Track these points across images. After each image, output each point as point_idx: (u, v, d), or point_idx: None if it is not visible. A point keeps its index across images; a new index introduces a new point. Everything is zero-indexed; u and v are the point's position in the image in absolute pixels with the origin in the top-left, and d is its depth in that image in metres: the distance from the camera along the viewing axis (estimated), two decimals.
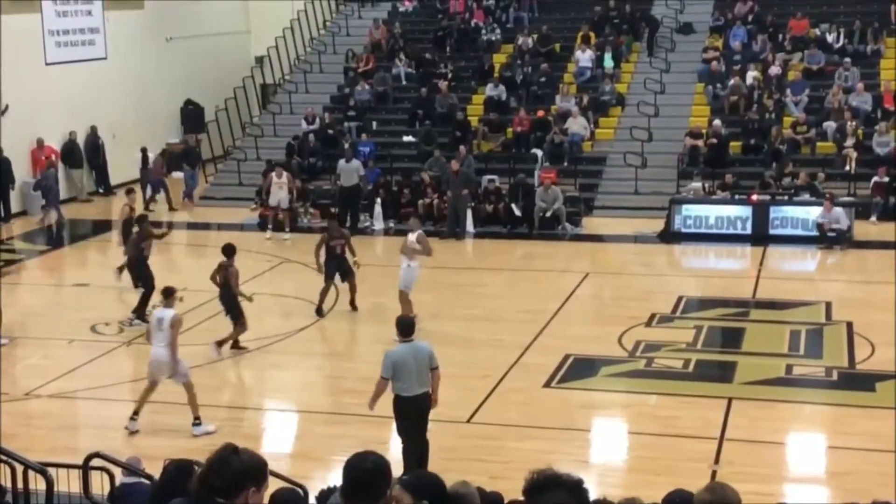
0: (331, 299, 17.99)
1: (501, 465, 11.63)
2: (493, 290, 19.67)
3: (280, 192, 23.66)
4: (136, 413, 13.10)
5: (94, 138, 28.29)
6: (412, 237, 17.12)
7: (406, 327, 11.46)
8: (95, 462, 9.64)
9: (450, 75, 28.65)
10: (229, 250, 16.13)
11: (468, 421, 13.27)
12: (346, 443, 12.79)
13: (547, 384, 14.45)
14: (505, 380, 14.65)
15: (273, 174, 23.91)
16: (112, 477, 9.71)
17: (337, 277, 17.68)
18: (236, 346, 16.05)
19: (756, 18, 29.55)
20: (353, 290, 17.74)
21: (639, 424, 13.28)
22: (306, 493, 8.63)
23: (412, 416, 11.22)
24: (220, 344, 15.68)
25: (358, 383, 14.26)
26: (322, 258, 17.65)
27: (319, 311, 17.61)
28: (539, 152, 25.91)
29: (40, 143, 26.25)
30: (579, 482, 4.41)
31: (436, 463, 11.73)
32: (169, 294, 13.47)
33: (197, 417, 12.99)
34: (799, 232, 22.27)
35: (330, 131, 27.47)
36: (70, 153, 27.55)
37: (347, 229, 20.18)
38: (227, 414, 13.92)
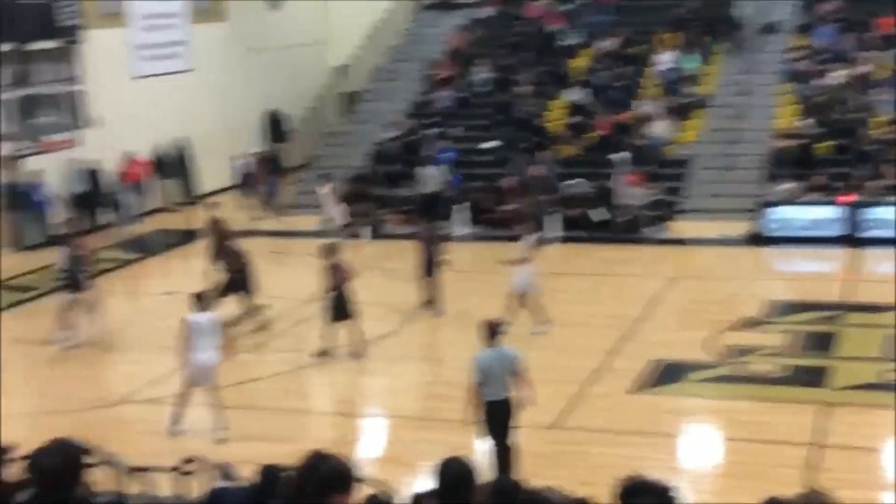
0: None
1: (587, 471, 11.54)
2: (576, 294, 19.56)
3: (330, 202, 23.86)
4: (177, 420, 13.24)
5: (180, 149, 28.77)
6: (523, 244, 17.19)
7: (490, 332, 11.47)
8: (188, 466, 9.78)
9: (529, 81, 28.59)
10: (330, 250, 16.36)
11: (553, 426, 13.20)
12: (434, 448, 12.82)
13: (632, 390, 14.33)
14: (589, 385, 14.56)
15: (324, 187, 24.18)
16: (204, 481, 9.83)
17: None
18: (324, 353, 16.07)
19: (842, 17, 29.03)
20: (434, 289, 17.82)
21: (728, 430, 13.09)
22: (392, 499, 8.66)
23: (496, 421, 11.24)
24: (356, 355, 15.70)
25: (446, 388, 14.30)
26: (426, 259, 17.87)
27: (429, 307, 17.83)
28: (621, 156, 25.73)
29: (128, 156, 26.73)
30: (670, 488, 4.39)
31: (521, 468, 11.70)
32: (204, 298, 13.49)
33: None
34: (891, 234, 21.79)
35: (412, 137, 27.58)
36: (160, 164, 28.06)
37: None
38: (317, 420, 14.03)
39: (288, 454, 10.53)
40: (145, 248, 25.08)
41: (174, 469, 9.80)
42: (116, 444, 11.99)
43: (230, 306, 17.43)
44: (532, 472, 10.98)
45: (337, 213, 23.95)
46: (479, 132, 27.96)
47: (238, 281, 17.92)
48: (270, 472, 7.13)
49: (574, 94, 27.86)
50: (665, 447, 12.75)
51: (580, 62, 29.53)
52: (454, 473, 6.69)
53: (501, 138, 27.00)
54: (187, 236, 25.77)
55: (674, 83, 28.06)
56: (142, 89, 27.43)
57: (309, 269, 20.86)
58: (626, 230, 23.21)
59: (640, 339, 16.43)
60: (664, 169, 25.58)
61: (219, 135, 29.88)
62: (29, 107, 23.55)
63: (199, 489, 9.80)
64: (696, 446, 13.09)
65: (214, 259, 18.98)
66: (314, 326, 17.55)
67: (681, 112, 27.12)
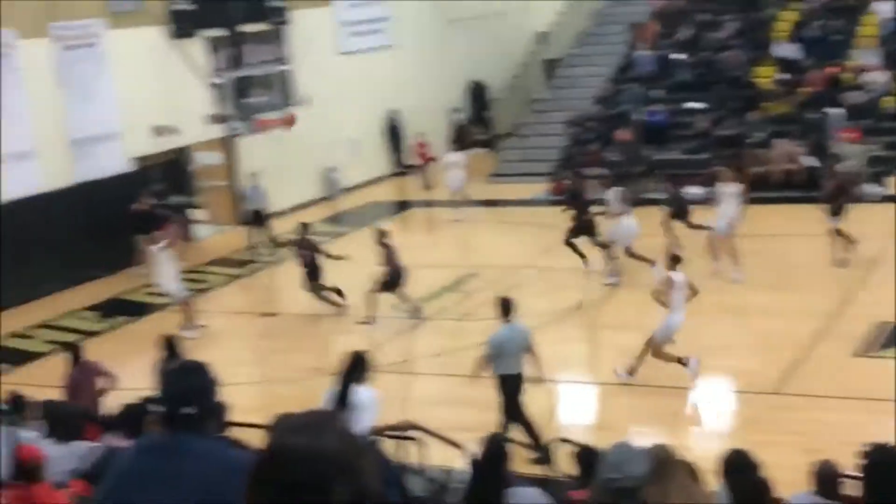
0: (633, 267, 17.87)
1: (811, 437, 11.21)
2: (794, 257, 18.92)
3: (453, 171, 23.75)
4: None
5: (392, 122, 29.36)
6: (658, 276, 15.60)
7: (504, 308, 11.67)
8: (410, 432, 9.98)
9: (736, 37, 27.74)
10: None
11: (775, 392, 12.84)
12: (643, 414, 12.70)
13: (857, 353, 13.77)
14: (812, 349, 14.07)
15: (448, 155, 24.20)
16: (424, 447, 10.04)
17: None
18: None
19: None
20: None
21: None
22: None
23: (504, 395, 11.46)
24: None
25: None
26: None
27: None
28: (835, 112, 24.67)
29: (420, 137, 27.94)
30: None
31: (742, 435, 11.47)
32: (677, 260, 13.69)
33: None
34: None
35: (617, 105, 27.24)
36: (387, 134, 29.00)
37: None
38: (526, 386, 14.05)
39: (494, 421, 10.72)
40: (356, 221, 25.67)
41: (397, 436, 10.01)
42: None
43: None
44: (753, 440, 10.73)
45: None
46: (686, 93, 27.32)
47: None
48: (498, 443, 7.27)
49: (784, 50, 26.86)
50: (892, 412, 12.21)
51: (790, 15, 28.43)
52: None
53: (709, 98, 26.33)
54: (400, 206, 26.27)
55: (893, 33, 26.66)
56: (347, 66, 28.03)
57: (520, 235, 21.00)
58: None
59: (866, 301, 15.74)
60: (882, 123, 24.38)
61: (422, 107, 30.25)
62: (242, 88, 24.42)
63: (420, 455, 10.01)
64: None
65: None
66: (523, 294, 17.62)
67: None
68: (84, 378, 11.99)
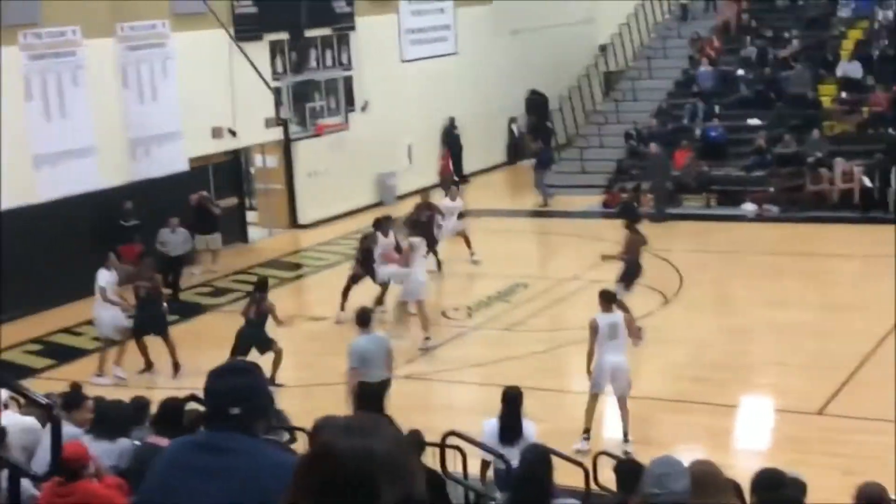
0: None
1: (856, 460, 11.10)
2: (846, 277, 18.74)
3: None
4: (586, 432, 12.33)
5: (451, 129, 29.48)
6: None
7: (361, 320, 12.31)
8: (450, 440, 10.03)
9: (800, 54, 27.50)
10: (262, 285, 15.48)
11: (820, 412, 12.74)
12: (690, 431, 12.65)
13: None
14: (859, 371, 13.92)
15: None
16: (465, 455, 10.08)
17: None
18: None
19: None
20: None
21: None
22: None
23: (374, 400, 11.59)
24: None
25: (702, 370, 14.09)
26: None
27: None
28: None
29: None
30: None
31: (786, 454, 11.39)
32: (611, 299, 12.72)
33: None
34: None
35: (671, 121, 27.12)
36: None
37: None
38: (571, 399, 14.06)
39: (542, 433, 10.71)
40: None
41: (438, 445, 10.05)
42: None
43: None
44: (796, 459, 10.66)
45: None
46: (746, 109, 27.12)
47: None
48: (541, 454, 7.31)
49: (847, 69, 26.58)
50: None
51: (855, 34, 28.13)
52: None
53: (769, 116, 26.13)
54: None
55: None
56: (408, 73, 28.18)
57: (571, 248, 20.99)
58: None
59: None
60: None
61: (481, 115, 30.32)
62: (303, 92, 24.66)
63: (460, 464, 10.05)
64: None
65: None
66: (572, 306, 17.66)
67: None
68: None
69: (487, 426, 9.93)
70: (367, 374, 12.00)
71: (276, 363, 14.52)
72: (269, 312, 14.92)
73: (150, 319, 15.44)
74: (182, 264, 20.18)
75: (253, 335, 14.59)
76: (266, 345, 14.65)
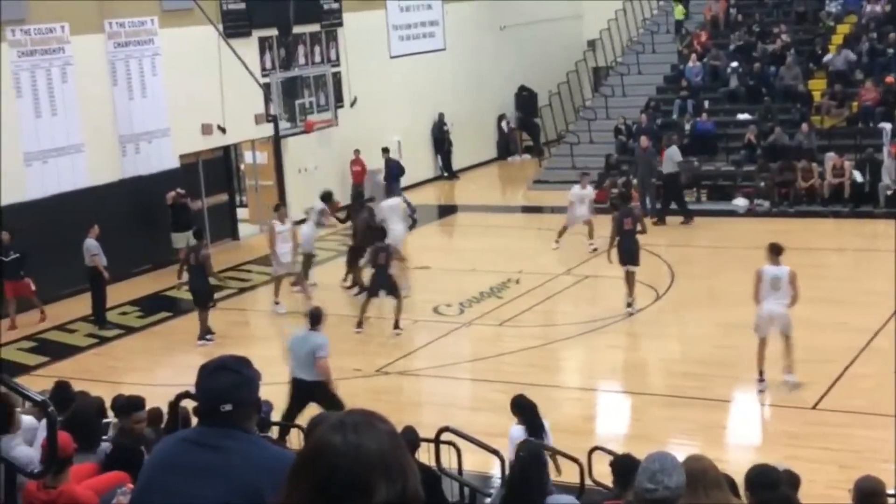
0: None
1: (850, 454, 11.14)
2: (837, 271, 18.78)
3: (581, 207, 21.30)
4: (760, 373, 13.18)
5: (440, 125, 29.43)
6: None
7: (312, 319, 12.22)
8: (444, 436, 10.01)
9: (789, 48, 27.52)
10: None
11: (814, 407, 12.76)
12: (683, 426, 12.65)
13: None
14: (853, 365, 13.94)
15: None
16: (459, 451, 10.06)
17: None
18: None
19: None
20: None
21: None
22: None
23: (296, 397, 11.89)
24: None
25: (694, 366, 14.10)
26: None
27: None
28: (888, 126, 24.40)
29: (357, 153, 26.31)
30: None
31: (781, 449, 11.40)
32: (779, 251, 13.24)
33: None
34: None
35: (661, 116, 27.10)
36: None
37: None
38: (564, 394, 14.07)
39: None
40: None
41: (432, 440, 10.03)
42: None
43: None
44: (791, 454, 10.68)
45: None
46: (736, 104, 27.14)
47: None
48: (534, 451, 7.28)
49: (836, 62, 26.61)
50: None
51: (843, 28, 28.18)
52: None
53: (758, 110, 26.16)
54: (445, 210, 26.31)
55: None
56: (397, 69, 28.13)
57: (563, 243, 20.95)
58: (890, 204, 22.01)
59: None
60: None
61: (470, 112, 30.29)
62: (292, 88, 24.58)
63: (454, 460, 10.03)
64: None
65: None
66: (564, 302, 17.68)
67: None
68: None
69: (515, 431, 9.76)
70: (296, 372, 12.09)
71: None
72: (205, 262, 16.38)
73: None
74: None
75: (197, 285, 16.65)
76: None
